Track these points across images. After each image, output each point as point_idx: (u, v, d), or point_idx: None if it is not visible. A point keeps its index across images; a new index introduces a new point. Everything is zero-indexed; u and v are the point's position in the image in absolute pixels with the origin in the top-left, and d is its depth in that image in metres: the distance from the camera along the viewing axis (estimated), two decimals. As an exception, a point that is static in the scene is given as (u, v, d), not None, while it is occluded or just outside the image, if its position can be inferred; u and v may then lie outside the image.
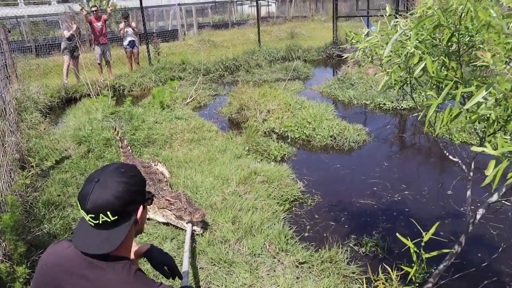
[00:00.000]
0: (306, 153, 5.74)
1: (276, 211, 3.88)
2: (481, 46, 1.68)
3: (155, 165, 4.60)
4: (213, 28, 27.62)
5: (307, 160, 5.48)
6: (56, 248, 1.45)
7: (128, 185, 1.38)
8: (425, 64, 1.72)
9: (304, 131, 6.16)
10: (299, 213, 4.05)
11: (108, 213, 1.32)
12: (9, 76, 5.94)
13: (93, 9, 10.60)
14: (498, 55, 1.43)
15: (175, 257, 3.17)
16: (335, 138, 5.91)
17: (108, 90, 8.28)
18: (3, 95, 4.27)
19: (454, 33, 1.71)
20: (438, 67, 1.80)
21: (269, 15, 37.16)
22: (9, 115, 4.53)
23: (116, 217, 1.34)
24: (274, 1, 43.86)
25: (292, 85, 9.75)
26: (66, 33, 9.88)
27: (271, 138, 6.05)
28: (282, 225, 3.60)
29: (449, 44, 1.80)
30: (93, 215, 1.31)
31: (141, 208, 1.46)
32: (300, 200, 4.27)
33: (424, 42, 1.82)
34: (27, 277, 2.36)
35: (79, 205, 1.35)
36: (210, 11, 35.32)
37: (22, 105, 7.30)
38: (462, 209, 3.89)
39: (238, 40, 18.63)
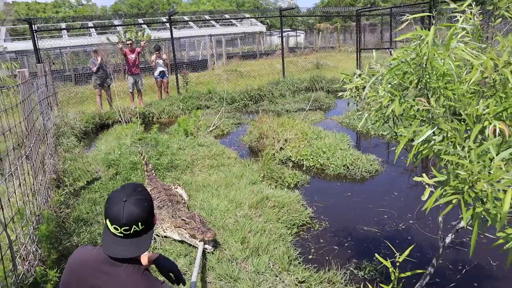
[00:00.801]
0: (319, 181, 6.01)
1: (284, 234, 4.15)
2: (441, 90, 1.98)
3: (175, 188, 4.99)
4: (241, 58, 28.53)
5: (319, 187, 5.74)
6: (83, 250, 1.84)
7: (149, 201, 1.77)
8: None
9: (319, 160, 6.44)
10: (306, 237, 4.30)
11: (139, 224, 1.69)
12: (51, 106, 6.57)
13: (128, 42, 11.44)
14: (443, 99, 1.73)
15: (186, 271, 3.49)
16: (348, 168, 6.16)
17: (137, 117, 8.86)
18: (45, 123, 4.81)
19: (420, 79, 2.02)
20: (407, 107, 2.11)
21: (297, 45, 38.05)
22: (49, 140, 5.06)
23: (143, 226, 1.71)
24: (303, 32, 44.86)
25: (313, 115, 10.10)
26: (94, 68, 10.68)
27: (287, 166, 6.37)
28: (288, 247, 3.86)
29: (418, 88, 2.11)
30: (127, 227, 1.68)
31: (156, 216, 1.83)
32: (308, 225, 4.53)
33: (396, 86, 2.14)
34: (58, 280, 2.74)
35: (109, 222, 1.70)
36: (239, 41, 36.51)
37: (60, 130, 7.95)
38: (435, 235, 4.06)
39: (265, 70, 19.23)
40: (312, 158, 6.55)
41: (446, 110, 1.82)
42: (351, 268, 3.66)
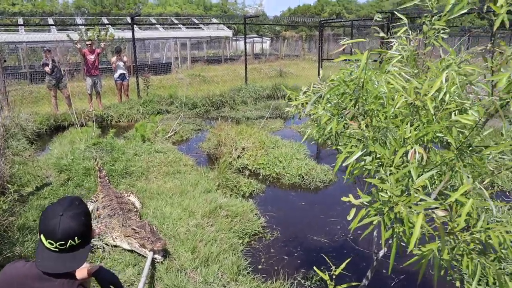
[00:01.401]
0: (274, 190, 6.11)
1: (235, 243, 4.19)
2: (375, 112, 2.09)
3: (128, 195, 4.93)
4: (206, 62, 28.41)
5: (274, 197, 5.83)
6: (14, 265, 1.80)
7: (86, 215, 1.77)
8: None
9: (275, 169, 6.55)
10: (257, 246, 4.36)
11: (76, 238, 1.68)
12: (1, 105, 6.30)
13: (88, 43, 11.16)
14: (373, 122, 1.84)
15: (134, 282, 3.45)
16: (303, 177, 6.29)
17: (93, 121, 8.65)
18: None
19: (358, 100, 2.13)
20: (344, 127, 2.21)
21: (262, 52, 38.38)
22: (-5, 143, 4.86)
23: (80, 240, 1.70)
24: (269, 38, 45.29)
25: (273, 124, 10.23)
26: (47, 69, 10.29)
27: (244, 174, 6.43)
28: (238, 257, 3.90)
29: (356, 107, 2.22)
30: (63, 242, 1.67)
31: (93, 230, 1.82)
32: (260, 235, 4.60)
33: (336, 105, 2.24)
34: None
35: (43, 237, 1.68)
36: (205, 45, 36.39)
37: (9, 132, 7.62)
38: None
39: (229, 76, 19.28)
40: (269, 167, 6.64)
41: (378, 132, 1.92)
42: (299, 278, 3.75)
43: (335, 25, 28.87)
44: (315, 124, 2.39)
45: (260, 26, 46.60)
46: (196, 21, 38.15)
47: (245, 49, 14.81)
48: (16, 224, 4.17)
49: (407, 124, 1.78)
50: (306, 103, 2.60)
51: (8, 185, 4.60)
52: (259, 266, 3.98)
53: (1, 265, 3.25)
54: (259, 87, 14.47)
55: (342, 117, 2.11)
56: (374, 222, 1.51)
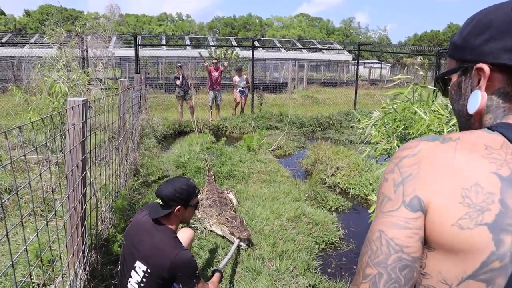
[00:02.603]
0: (360, 209, 6.45)
1: (311, 247, 4.72)
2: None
3: (227, 193, 5.81)
4: (322, 84, 29.06)
5: (357, 214, 6.19)
6: (138, 214, 2.68)
7: (177, 192, 2.53)
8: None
9: (364, 190, 6.88)
10: (331, 253, 4.83)
11: (160, 199, 2.49)
12: (141, 110, 7.82)
13: (214, 61, 12.76)
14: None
15: (221, 260, 4.23)
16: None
17: (210, 129, 9.95)
18: (133, 123, 5.94)
19: (406, 126, 2.59)
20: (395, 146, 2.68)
21: (381, 77, 37.75)
22: (134, 138, 6.19)
23: (163, 204, 2.50)
24: (389, 64, 44.22)
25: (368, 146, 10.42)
26: (178, 82, 12.11)
27: (334, 191, 6.89)
28: (310, 257, 4.44)
29: (406, 131, 2.68)
30: (157, 198, 2.51)
31: (179, 206, 2.56)
32: (336, 244, 5.05)
33: (389, 130, 2.72)
34: (122, 243, 3.63)
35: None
36: (323, 68, 37.12)
37: (144, 131, 9.26)
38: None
39: (341, 99, 19.63)
40: (359, 188, 6.99)
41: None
42: (362, 285, 4.13)
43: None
44: (370, 143, 2.87)
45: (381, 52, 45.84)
46: (316, 44, 39.17)
47: (357, 74, 15.17)
48: (140, 201, 5.32)
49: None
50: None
51: (140, 170, 5.83)
52: (328, 270, 4.44)
53: (127, 225, 4.31)
54: (367, 112, 14.62)
55: (391, 139, 2.59)
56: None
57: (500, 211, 0.72)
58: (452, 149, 0.80)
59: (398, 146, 2.67)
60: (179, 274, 2.40)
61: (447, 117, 2.40)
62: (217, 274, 3.13)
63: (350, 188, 7.08)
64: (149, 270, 2.42)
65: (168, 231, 2.50)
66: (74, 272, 2.70)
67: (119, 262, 2.68)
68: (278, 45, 35.94)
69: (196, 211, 4.13)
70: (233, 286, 3.85)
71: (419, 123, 2.16)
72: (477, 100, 0.86)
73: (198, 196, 5.63)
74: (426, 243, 0.79)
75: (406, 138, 2.65)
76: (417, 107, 2.41)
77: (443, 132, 2.04)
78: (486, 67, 0.84)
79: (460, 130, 0.97)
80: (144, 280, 2.43)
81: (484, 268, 0.73)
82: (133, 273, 2.48)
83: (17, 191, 1.72)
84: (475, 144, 0.80)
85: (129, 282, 2.48)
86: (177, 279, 2.44)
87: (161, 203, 2.50)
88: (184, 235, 3.07)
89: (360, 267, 0.82)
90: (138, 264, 2.46)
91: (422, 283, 0.81)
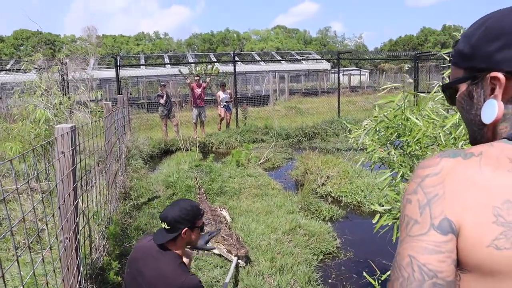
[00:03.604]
0: (354, 216, 6.45)
1: (309, 259, 4.67)
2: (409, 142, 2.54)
3: (220, 210, 5.74)
4: (303, 94, 29.29)
5: (352, 222, 6.18)
6: (142, 241, 2.60)
7: (182, 214, 2.47)
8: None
9: (356, 197, 6.89)
10: (330, 264, 4.79)
11: (165, 223, 2.42)
12: (125, 131, 7.72)
13: (196, 78, 12.75)
14: (408, 150, 2.30)
15: (220, 280, 4.15)
16: (382, 206, 6.52)
17: (196, 146, 9.88)
18: (120, 146, 5.85)
19: (400, 133, 2.60)
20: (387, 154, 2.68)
21: (360, 84, 38.31)
22: (121, 160, 6.09)
23: (169, 227, 2.43)
24: (368, 70, 44.95)
25: (361, 154, 10.49)
26: (162, 101, 12.08)
27: (326, 200, 6.88)
28: (310, 270, 4.39)
29: (399, 139, 2.68)
30: (162, 222, 2.43)
31: (186, 229, 2.50)
32: (334, 254, 5.01)
33: (381, 138, 2.73)
34: (118, 269, 3.53)
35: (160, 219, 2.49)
36: (303, 78, 37.49)
37: (130, 153, 9.13)
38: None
39: (323, 108, 19.80)
40: (351, 195, 7.00)
41: (414, 158, 2.38)
42: (364, 294, 4.10)
43: (433, 58, 27.81)
44: (364, 152, 2.87)
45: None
46: (295, 55, 39.59)
47: (338, 83, 15.36)
48: (133, 225, 5.20)
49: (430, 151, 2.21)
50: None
51: (130, 193, 5.72)
52: (329, 280, 4.40)
53: (122, 253, 4.20)
54: (351, 119, 14.77)
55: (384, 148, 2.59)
56: (389, 224, 1.97)
57: None
58: (476, 165, 0.78)
59: (394, 154, 2.68)
60: None
61: (438, 120, 2.42)
62: None
63: (342, 196, 7.08)
64: (154, 297, 2.34)
65: (174, 256, 2.43)
66: (72, 305, 2.60)
67: (121, 290, 2.60)
68: (258, 58, 36.24)
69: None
70: (235, 306, 3.77)
71: (414, 130, 2.17)
72: (493, 109, 0.84)
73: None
74: (459, 265, 0.77)
75: (400, 146, 2.66)
76: (408, 114, 2.42)
77: (440, 137, 2.05)
78: (501, 76, 0.81)
79: (471, 139, 0.95)
80: (149, 307, 2.35)
81: None
82: (137, 300, 2.39)
83: (11, 228, 1.64)
84: (499, 158, 0.77)
85: None
86: None
87: (166, 227, 2.42)
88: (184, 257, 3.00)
89: None
90: (143, 290, 2.38)
91: None
